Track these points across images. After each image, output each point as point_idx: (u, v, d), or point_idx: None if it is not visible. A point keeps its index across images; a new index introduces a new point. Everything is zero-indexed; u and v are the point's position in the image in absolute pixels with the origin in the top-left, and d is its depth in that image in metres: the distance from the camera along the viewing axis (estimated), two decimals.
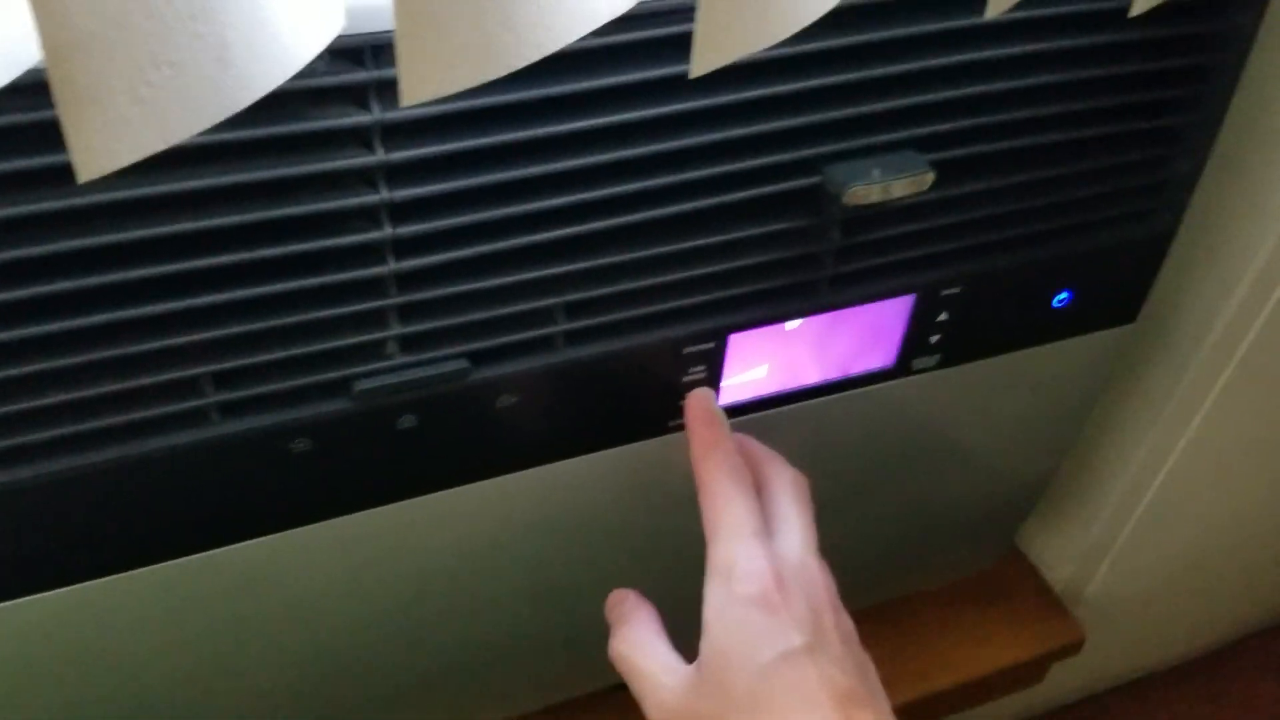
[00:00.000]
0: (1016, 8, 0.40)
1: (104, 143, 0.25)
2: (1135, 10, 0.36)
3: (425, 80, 0.29)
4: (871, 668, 0.42)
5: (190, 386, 0.37)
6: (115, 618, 0.42)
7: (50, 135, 0.30)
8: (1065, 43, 0.43)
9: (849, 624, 0.42)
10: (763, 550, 0.40)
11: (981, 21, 0.40)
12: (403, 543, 0.45)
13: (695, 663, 0.40)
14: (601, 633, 0.44)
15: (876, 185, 0.41)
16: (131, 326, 0.35)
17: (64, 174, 0.31)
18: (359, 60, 0.33)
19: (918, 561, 0.70)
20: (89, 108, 0.25)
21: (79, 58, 0.24)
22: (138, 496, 0.39)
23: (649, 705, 0.41)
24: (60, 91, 0.24)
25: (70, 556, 0.40)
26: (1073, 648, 0.77)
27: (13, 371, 0.34)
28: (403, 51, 0.28)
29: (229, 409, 0.38)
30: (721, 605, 0.40)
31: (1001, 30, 0.41)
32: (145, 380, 0.36)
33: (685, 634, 0.41)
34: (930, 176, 0.42)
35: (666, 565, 0.48)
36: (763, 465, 0.45)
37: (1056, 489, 0.75)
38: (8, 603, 0.40)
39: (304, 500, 0.42)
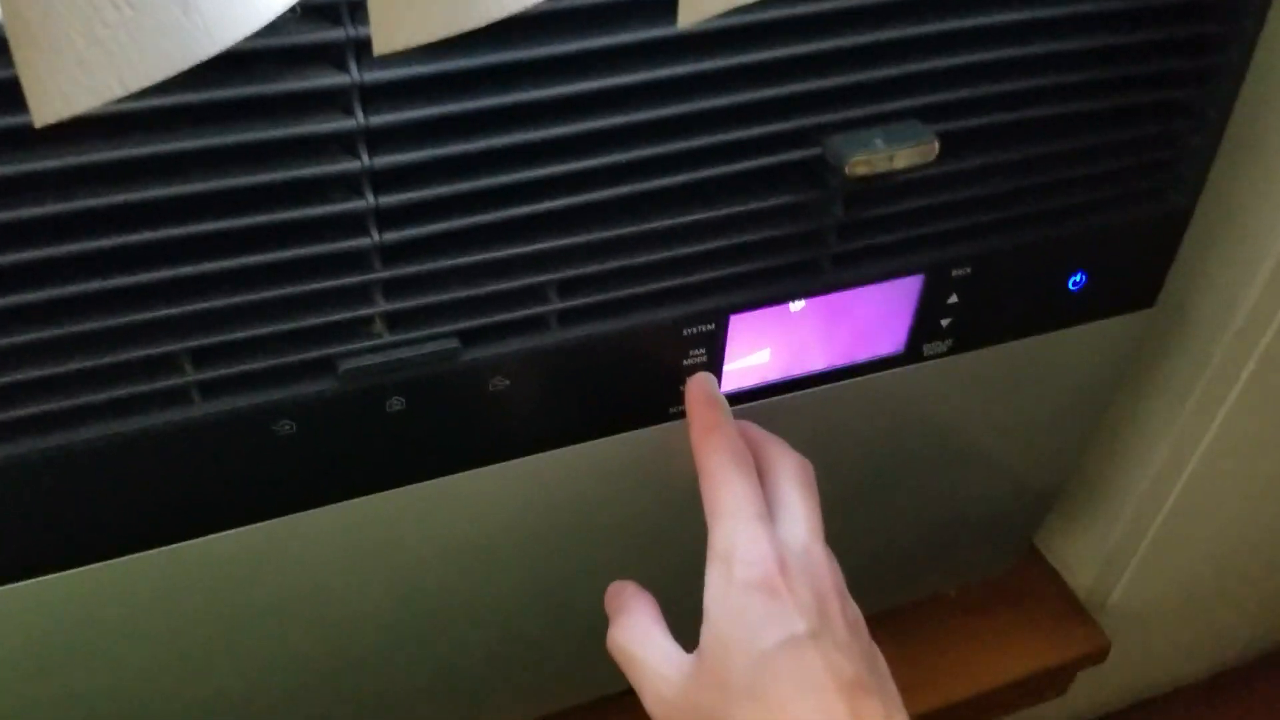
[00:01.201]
0: None
1: (59, 86, 0.24)
2: None
3: (397, 27, 0.27)
4: (880, 657, 0.40)
5: (168, 364, 0.36)
6: (92, 609, 0.41)
7: (13, 94, 0.29)
8: (1074, 9, 0.41)
9: (856, 611, 0.40)
10: (765, 534, 0.39)
11: None
12: (393, 533, 0.44)
13: (695, 651, 0.39)
14: (601, 628, 0.42)
15: (879, 155, 0.40)
16: (103, 299, 0.34)
17: (29, 137, 0.30)
18: (335, 18, 0.32)
19: (932, 563, 0.68)
20: (43, 48, 0.24)
21: None
22: (114, 481, 0.37)
23: (647, 696, 0.39)
24: (12, 30, 0.23)
25: (44, 544, 0.38)
26: (1097, 655, 0.75)
27: None
28: None
29: (209, 388, 0.37)
30: (722, 590, 0.38)
31: None
32: (120, 357, 0.35)
33: (688, 627, 0.40)
34: (936, 146, 0.40)
35: (668, 556, 0.47)
36: (765, 449, 0.43)
37: (1076, 489, 0.73)
38: None
39: (289, 487, 0.41)
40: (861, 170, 0.40)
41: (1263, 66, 0.48)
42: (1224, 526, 0.77)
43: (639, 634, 0.41)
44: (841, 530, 0.42)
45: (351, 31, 0.32)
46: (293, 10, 0.31)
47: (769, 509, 0.40)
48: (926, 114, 0.41)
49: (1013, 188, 0.45)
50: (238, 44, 0.27)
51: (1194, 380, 0.63)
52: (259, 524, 0.41)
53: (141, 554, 0.40)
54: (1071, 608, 0.77)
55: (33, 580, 0.39)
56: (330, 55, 0.33)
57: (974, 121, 0.42)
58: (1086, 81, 0.44)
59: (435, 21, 0.28)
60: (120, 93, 0.25)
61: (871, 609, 0.41)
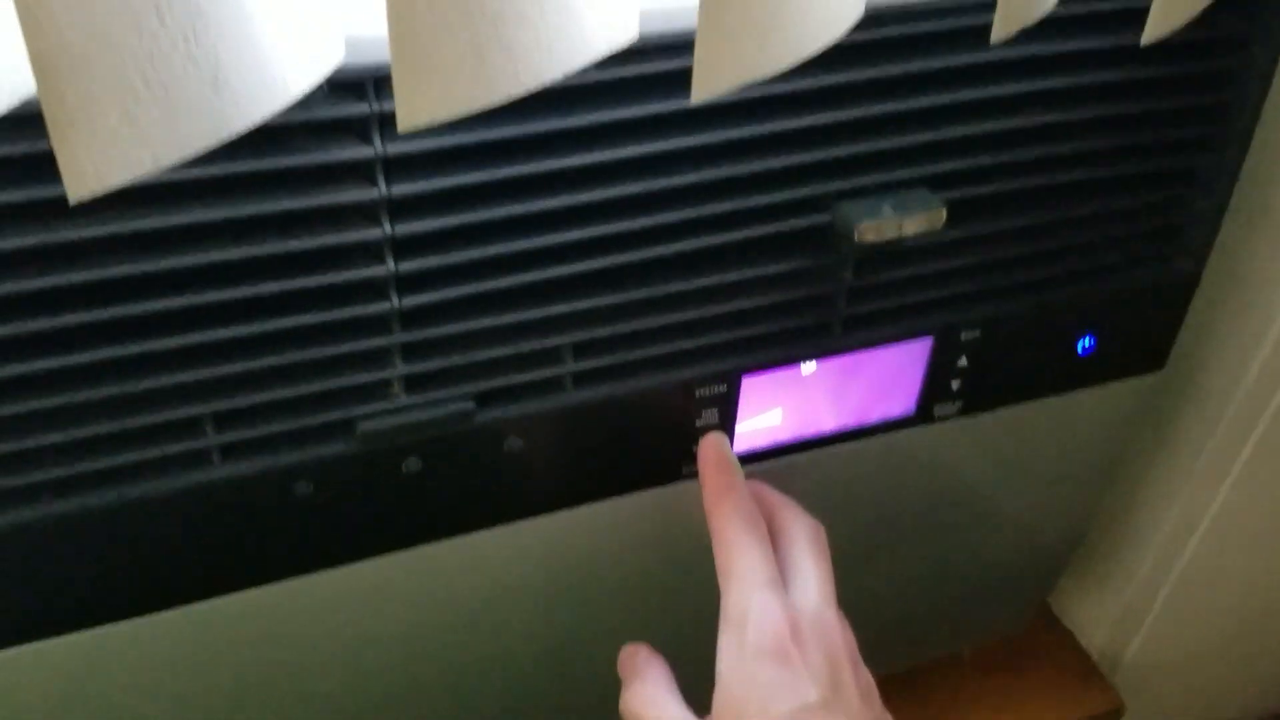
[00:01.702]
0: (1029, 43, 0.40)
1: (94, 162, 0.25)
2: (1147, 39, 0.35)
3: (422, 106, 0.28)
4: None
5: (190, 427, 0.37)
6: (110, 669, 0.41)
7: (48, 168, 0.30)
8: (1077, 79, 0.42)
9: (868, 679, 0.40)
10: (778, 600, 0.39)
11: (994, 58, 0.40)
12: (407, 592, 0.44)
13: (707, 717, 0.39)
14: (613, 689, 0.42)
15: (888, 223, 0.40)
16: (130, 364, 0.34)
17: (62, 207, 0.31)
18: (361, 94, 0.33)
19: (944, 623, 0.67)
20: (78, 126, 0.25)
21: (67, 74, 0.24)
22: (136, 541, 0.38)
23: None
24: (49, 109, 0.24)
25: (64, 604, 0.39)
26: (1110, 716, 0.74)
27: (8, 410, 0.33)
28: (398, 77, 0.27)
29: (229, 450, 0.38)
30: (735, 657, 0.38)
31: (1014, 67, 0.41)
32: (144, 420, 0.36)
33: (700, 689, 0.40)
34: (943, 214, 0.41)
35: (680, 617, 0.47)
36: (778, 513, 0.44)
37: (1089, 549, 0.73)
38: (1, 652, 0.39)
39: (306, 547, 0.41)
40: (870, 237, 0.40)
41: (1268, 132, 0.49)
42: (1236, 587, 0.76)
43: (652, 699, 0.41)
44: (854, 591, 0.42)
45: (376, 106, 0.33)
46: (320, 87, 0.32)
47: (782, 573, 0.41)
48: (935, 182, 0.42)
49: (1021, 253, 0.46)
50: (267, 118, 0.28)
51: (1204, 441, 0.63)
52: (275, 584, 0.41)
53: (160, 614, 0.40)
54: (1085, 668, 0.76)
55: (54, 639, 0.39)
56: (355, 128, 0.33)
57: (982, 189, 0.43)
58: (1093, 149, 0.44)
59: (457, 99, 0.29)
60: (152, 168, 0.26)
61: (884, 669, 0.41)
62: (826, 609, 0.40)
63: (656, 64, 0.36)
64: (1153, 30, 0.35)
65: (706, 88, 0.30)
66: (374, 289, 0.36)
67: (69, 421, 0.35)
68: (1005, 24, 0.32)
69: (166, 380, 0.35)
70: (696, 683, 0.41)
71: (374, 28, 0.32)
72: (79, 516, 0.37)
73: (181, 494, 0.38)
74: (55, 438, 0.35)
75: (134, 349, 0.34)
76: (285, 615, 0.43)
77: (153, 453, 0.36)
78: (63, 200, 0.30)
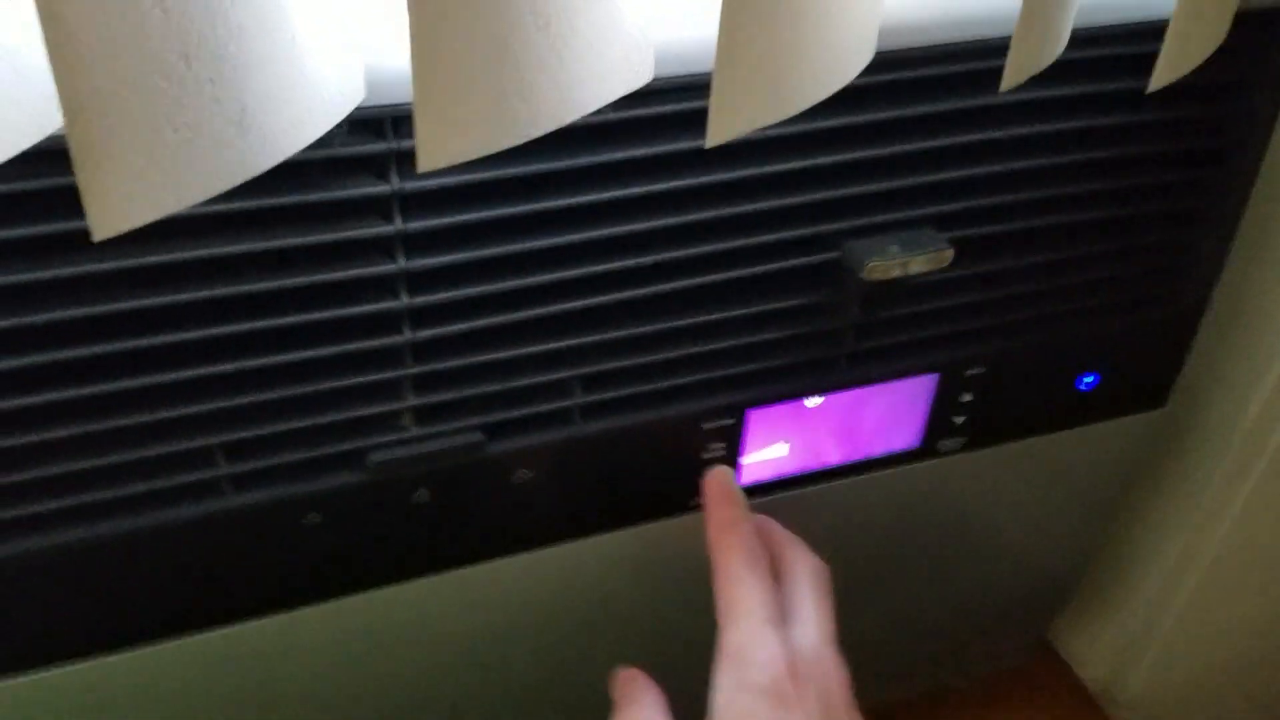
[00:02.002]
0: (1036, 88, 0.40)
1: (119, 201, 0.26)
2: (1153, 87, 0.36)
3: (442, 147, 0.29)
4: None
5: (202, 457, 0.37)
6: (120, 696, 0.41)
7: (69, 201, 0.30)
8: (1084, 123, 0.43)
9: None
10: (777, 638, 0.39)
11: (1001, 101, 0.41)
12: (415, 623, 0.45)
13: None
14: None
15: (895, 261, 0.41)
16: (143, 395, 0.35)
17: (79, 240, 0.31)
18: (379, 131, 0.33)
19: (945, 655, 0.67)
20: (105, 166, 0.25)
21: (95, 115, 0.24)
22: (146, 570, 0.38)
23: None
24: (77, 148, 0.25)
25: (78, 632, 0.39)
26: None
27: (22, 440, 0.34)
28: (420, 118, 0.28)
29: (241, 481, 0.38)
30: (731, 693, 0.38)
31: (1021, 110, 0.42)
32: (156, 450, 0.36)
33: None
34: (949, 254, 0.41)
35: (680, 648, 0.47)
36: (783, 550, 0.44)
37: (1090, 583, 0.73)
38: (11, 679, 0.39)
39: (316, 577, 0.41)
40: (877, 275, 0.41)
41: (1271, 174, 0.49)
42: (1237, 622, 0.76)
43: None
44: (855, 622, 0.42)
45: (394, 143, 0.33)
46: (339, 124, 0.32)
47: (782, 611, 0.41)
48: (941, 221, 0.42)
49: (1026, 291, 0.46)
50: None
51: (1207, 478, 0.63)
52: (284, 613, 0.42)
53: (170, 642, 0.40)
54: (1084, 703, 0.76)
55: (63, 667, 0.39)
56: (373, 165, 0.34)
57: (987, 229, 0.44)
58: (1097, 190, 0.45)
59: (476, 142, 0.29)
60: (176, 208, 0.26)
61: (884, 700, 0.41)
62: (825, 650, 0.40)
63: (670, 105, 0.36)
64: (1161, 76, 0.36)
65: (721, 132, 0.31)
66: (387, 322, 0.37)
67: (82, 451, 0.35)
68: (1015, 73, 0.32)
69: (179, 411, 0.35)
70: (690, 715, 0.41)
71: (392, 65, 0.32)
72: (90, 545, 0.37)
73: (192, 524, 0.38)
74: (68, 467, 0.35)
75: (147, 380, 0.34)
76: (294, 645, 0.43)
77: (164, 483, 0.37)
78: (83, 232, 0.31)
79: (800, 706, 0.37)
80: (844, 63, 0.34)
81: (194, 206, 0.32)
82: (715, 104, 0.30)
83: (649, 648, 0.50)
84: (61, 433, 0.34)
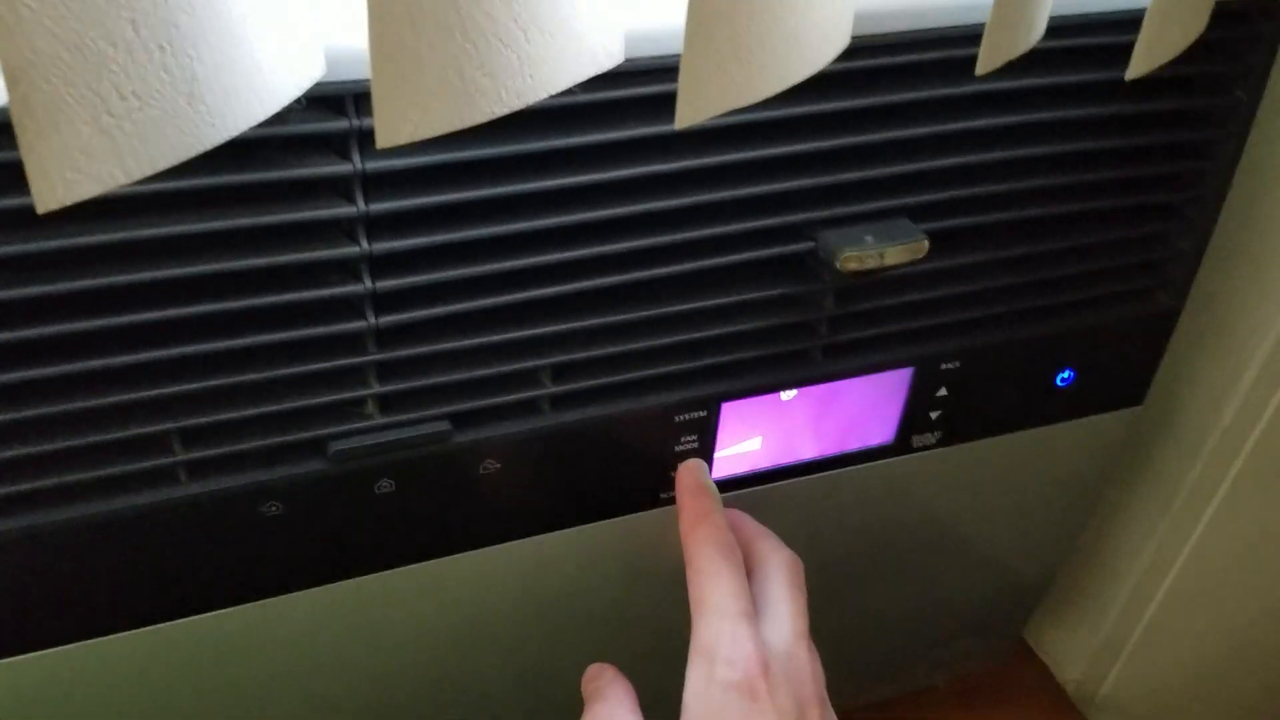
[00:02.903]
0: (1014, 77, 0.40)
1: (64, 173, 0.25)
2: (1131, 74, 0.35)
3: (401, 123, 0.28)
4: None
5: (157, 443, 0.36)
6: (71, 689, 0.40)
7: (13, 176, 0.29)
8: (1061, 113, 0.42)
9: None
10: (749, 633, 0.38)
11: (978, 90, 0.40)
12: (377, 616, 0.44)
13: None
14: (579, 713, 0.42)
15: (870, 252, 0.40)
16: (95, 378, 0.34)
17: (29, 216, 0.30)
18: (340, 109, 0.32)
19: (920, 654, 0.67)
20: (49, 135, 0.24)
21: (38, 82, 0.23)
22: (100, 560, 0.37)
23: None
24: (19, 117, 0.24)
25: (29, 622, 0.38)
26: None
27: None
28: (378, 93, 0.27)
29: (197, 468, 0.37)
30: (702, 688, 0.38)
31: (999, 100, 0.41)
32: (109, 435, 0.35)
33: (665, 717, 0.39)
34: (925, 245, 0.41)
35: (651, 644, 0.46)
36: (755, 544, 0.43)
37: (1066, 583, 0.73)
38: None
39: (275, 569, 0.40)
40: (852, 266, 0.40)
41: (1249, 171, 0.49)
42: (1213, 622, 0.76)
43: None
44: (829, 620, 0.42)
45: (355, 122, 0.32)
46: (298, 101, 0.31)
47: (756, 606, 0.40)
48: (917, 212, 0.42)
49: (1002, 285, 0.46)
50: (244, 132, 0.27)
51: (1182, 477, 0.63)
52: (242, 606, 0.41)
53: (125, 634, 0.39)
54: (1060, 702, 0.76)
55: (12, 659, 0.38)
56: (334, 144, 0.33)
57: (963, 220, 0.43)
58: (1075, 183, 0.44)
59: (437, 118, 0.28)
60: (124, 180, 0.26)
61: (859, 700, 0.41)
62: (798, 646, 0.40)
63: (640, 88, 0.35)
64: (1138, 65, 0.35)
65: (691, 113, 0.30)
66: (349, 306, 0.36)
67: (31, 435, 0.34)
68: (990, 57, 0.32)
69: (133, 395, 0.34)
70: (661, 710, 0.40)
71: (354, 42, 0.31)
72: (40, 533, 0.36)
73: (147, 512, 0.37)
74: (16, 451, 0.34)
75: (100, 363, 0.33)
76: (251, 638, 0.42)
77: (117, 469, 0.36)
78: (29, 209, 0.30)
79: (772, 702, 0.37)
80: (818, 47, 0.33)
81: (148, 183, 0.31)
82: (684, 84, 0.30)
83: (620, 643, 0.50)
84: (9, 416, 0.33)
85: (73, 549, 0.36)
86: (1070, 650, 0.75)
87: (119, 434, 0.35)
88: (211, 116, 0.27)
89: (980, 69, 0.32)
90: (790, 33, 0.31)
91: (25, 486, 0.35)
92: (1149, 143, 0.45)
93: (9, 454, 0.34)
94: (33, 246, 0.31)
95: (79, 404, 0.34)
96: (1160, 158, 0.46)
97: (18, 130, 0.24)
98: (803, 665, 0.39)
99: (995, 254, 0.45)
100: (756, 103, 0.31)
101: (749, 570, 0.42)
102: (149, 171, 0.26)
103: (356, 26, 0.31)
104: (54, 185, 0.25)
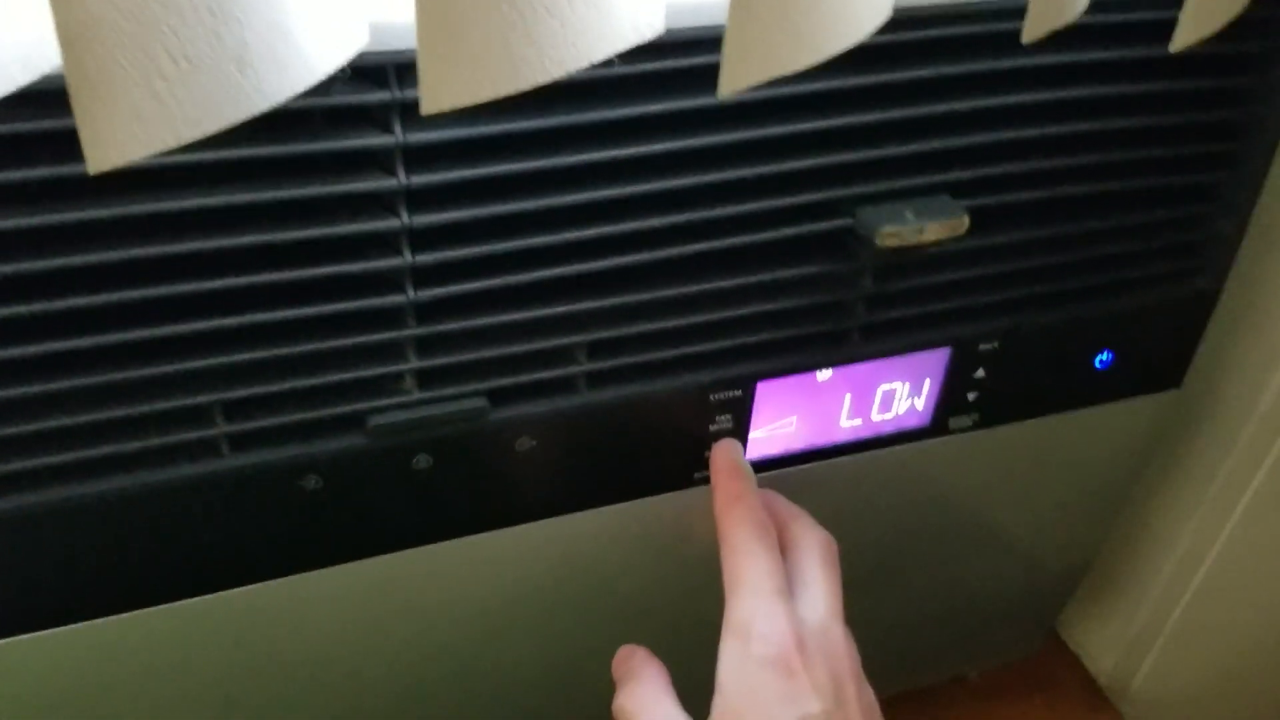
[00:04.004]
0: (1056, 52, 0.40)
1: (116, 135, 0.25)
2: (1175, 46, 0.35)
3: (445, 90, 0.28)
4: None
5: (200, 415, 0.36)
6: (112, 661, 0.40)
7: (64, 146, 0.29)
8: (1101, 90, 0.42)
9: (871, 697, 0.40)
10: (784, 610, 0.38)
11: (1019, 65, 0.40)
12: (413, 592, 0.44)
13: None
14: (610, 693, 0.42)
15: (910, 228, 0.40)
16: (139, 349, 0.34)
17: (78, 187, 0.31)
18: (382, 80, 0.32)
19: (951, 644, 0.67)
20: (101, 97, 0.24)
21: (92, 44, 0.24)
22: (141, 531, 0.37)
23: None
24: (73, 80, 0.24)
25: (69, 593, 0.38)
26: None
27: (14, 392, 0.33)
28: (424, 59, 0.27)
29: (238, 441, 0.37)
30: (737, 665, 0.38)
31: (1039, 74, 0.41)
32: (153, 406, 0.35)
33: (699, 698, 0.39)
34: (966, 221, 0.41)
35: (684, 624, 0.46)
36: (790, 523, 0.43)
37: (1099, 572, 0.72)
38: (2, 640, 0.38)
39: (313, 543, 0.41)
40: (891, 242, 0.40)
41: None
42: (1248, 613, 0.75)
43: (647, 701, 0.40)
44: (862, 606, 0.41)
45: (397, 94, 0.32)
46: (342, 70, 0.31)
47: (790, 585, 0.40)
48: (958, 189, 0.42)
49: (1041, 265, 0.45)
50: (286, 102, 0.27)
51: (1219, 464, 0.62)
52: (279, 580, 0.41)
53: (161, 607, 0.39)
54: (1092, 694, 0.75)
55: (52, 630, 0.39)
56: (375, 116, 0.33)
57: (1004, 198, 0.43)
58: (1116, 162, 0.44)
59: (481, 85, 0.28)
60: (173, 144, 0.26)
61: (890, 689, 0.41)
62: (833, 623, 0.40)
63: (681, 60, 0.35)
64: (1183, 36, 0.35)
65: (734, 82, 0.30)
66: (389, 281, 0.36)
67: (78, 406, 0.34)
68: (1036, 25, 0.32)
69: (176, 366, 0.34)
70: (695, 691, 0.40)
71: (397, 14, 0.31)
72: (83, 504, 0.36)
73: (188, 484, 0.37)
74: (63, 421, 0.34)
75: (143, 333, 0.33)
76: (289, 612, 0.42)
77: (161, 440, 0.36)
78: (79, 180, 0.30)
79: (808, 678, 0.36)
80: (861, 17, 0.33)
81: (190, 154, 0.31)
82: (728, 52, 0.29)
83: (651, 623, 0.50)
84: (57, 386, 0.33)
85: (116, 521, 0.37)
86: (1102, 642, 0.75)
87: (162, 405, 0.35)
88: (259, 83, 0.27)
89: (1026, 37, 0.31)
90: (834, 2, 0.31)
91: (70, 457, 0.35)
92: (1189, 121, 0.44)
93: (54, 424, 0.34)
94: (80, 216, 0.31)
95: (123, 375, 0.34)
96: (1200, 137, 0.45)
97: (72, 93, 0.24)
98: (838, 641, 0.39)
99: (1035, 233, 0.44)
100: (796, 76, 0.31)
101: (783, 550, 0.41)
102: (197, 135, 0.26)
103: None
104: (106, 148, 0.25)
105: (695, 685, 0.40)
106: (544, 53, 0.29)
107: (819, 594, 0.40)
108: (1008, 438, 0.51)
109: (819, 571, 0.41)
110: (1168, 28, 0.36)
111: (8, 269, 0.31)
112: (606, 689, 0.42)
